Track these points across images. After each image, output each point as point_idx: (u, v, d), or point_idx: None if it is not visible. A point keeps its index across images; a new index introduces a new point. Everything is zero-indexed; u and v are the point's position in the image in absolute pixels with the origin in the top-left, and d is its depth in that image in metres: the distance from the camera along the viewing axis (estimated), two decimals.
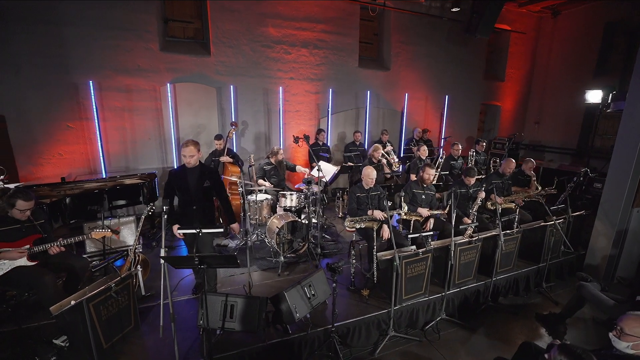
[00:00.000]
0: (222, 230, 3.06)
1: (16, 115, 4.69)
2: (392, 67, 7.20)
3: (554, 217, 3.93)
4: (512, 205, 4.57)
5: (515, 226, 4.33)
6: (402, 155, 7.25)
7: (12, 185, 3.49)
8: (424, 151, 5.62)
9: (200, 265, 2.14)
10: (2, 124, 4.69)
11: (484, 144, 6.30)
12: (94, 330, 2.38)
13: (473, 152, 6.29)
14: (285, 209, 4.38)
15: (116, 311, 2.57)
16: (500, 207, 4.53)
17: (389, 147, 6.44)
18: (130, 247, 3.17)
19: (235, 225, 3.29)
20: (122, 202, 4.37)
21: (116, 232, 3.74)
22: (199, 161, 3.13)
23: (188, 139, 3.16)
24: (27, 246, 2.59)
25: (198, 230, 2.44)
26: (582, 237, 4.75)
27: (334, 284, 2.71)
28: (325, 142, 6.45)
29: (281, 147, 6.25)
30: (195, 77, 5.62)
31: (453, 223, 3.47)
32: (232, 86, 5.80)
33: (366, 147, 6.95)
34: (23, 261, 2.59)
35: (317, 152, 6.18)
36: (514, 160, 4.69)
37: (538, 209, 4.63)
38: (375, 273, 3.54)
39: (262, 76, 6.09)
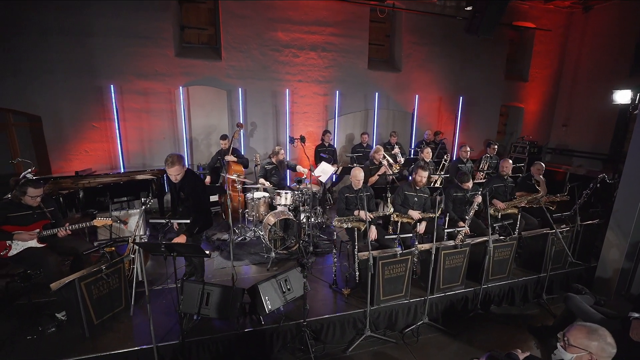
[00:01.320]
0: (187, 221, 3.15)
1: (50, 116, 5.29)
2: (403, 69, 7.13)
3: (555, 225, 3.73)
4: (516, 210, 4.39)
5: (515, 232, 4.17)
6: (411, 157, 7.14)
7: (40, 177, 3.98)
8: (427, 153, 5.51)
9: (169, 253, 2.34)
10: (39, 124, 5.32)
11: (496, 147, 6.04)
12: (85, 307, 2.68)
13: (488, 156, 6.06)
14: (279, 207, 4.53)
15: (107, 292, 2.85)
16: (502, 212, 4.39)
17: (396, 149, 6.39)
18: (130, 237, 3.47)
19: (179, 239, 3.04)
20: (133, 195, 4.77)
21: (124, 222, 4.13)
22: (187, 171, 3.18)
23: (172, 155, 2.98)
24: (37, 230, 2.96)
25: (167, 221, 2.66)
26: (597, 248, 4.43)
27: (305, 279, 2.81)
28: (331, 143, 6.53)
29: (287, 148, 6.44)
30: (207, 81, 5.97)
31: (435, 225, 3.43)
32: (240, 89, 6.08)
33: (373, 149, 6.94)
34: (33, 243, 2.96)
35: (323, 153, 6.30)
36: (510, 160, 4.50)
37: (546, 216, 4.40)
38: (357, 273, 3.57)
39: (270, 79, 6.32)
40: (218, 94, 6.11)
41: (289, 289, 3.08)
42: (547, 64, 8.20)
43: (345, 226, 3.82)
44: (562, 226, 4.00)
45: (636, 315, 2.50)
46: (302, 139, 4.47)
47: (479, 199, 4.08)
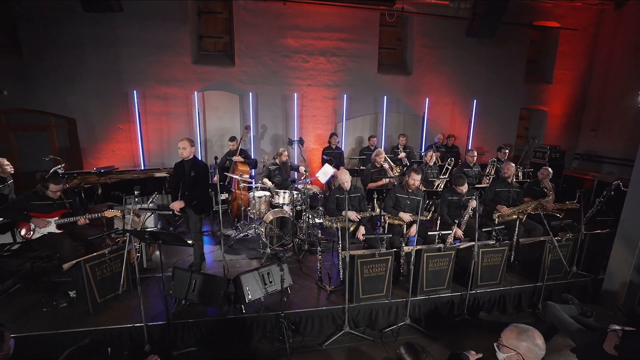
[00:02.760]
0: (170, 212, 3.62)
1: (83, 118, 5.94)
2: (414, 72, 7.10)
3: (552, 233, 3.59)
4: (521, 216, 4.26)
5: (514, 239, 4.06)
6: (421, 160, 7.07)
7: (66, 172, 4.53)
8: (430, 157, 5.48)
9: (154, 240, 2.63)
10: (73, 126, 5.99)
11: (507, 151, 5.83)
12: (90, 286, 3.05)
13: (495, 160, 5.89)
14: (277, 206, 4.75)
15: (110, 274, 3.21)
16: (506, 218, 4.26)
17: (402, 154, 6.39)
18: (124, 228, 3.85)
19: (175, 204, 3.64)
20: (149, 190, 5.22)
21: (137, 214, 4.54)
22: (193, 155, 3.78)
23: (183, 140, 3.71)
24: (56, 218, 3.41)
25: (153, 211, 2.97)
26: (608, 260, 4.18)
27: (281, 272, 2.98)
28: (338, 145, 6.65)
29: (296, 150, 6.67)
30: (221, 86, 6.36)
31: (417, 227, 3.46)
32: (251, 93, 6.41)
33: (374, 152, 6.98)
34: (53, 229, 3.40)
35: (330, 155, 6.45)
36: (513, 164, 4.37)
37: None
38: (341, 271, 3.68)
39: (280, 84, 6.59)
40: (231, 98, 6.49)
41: (270, 282, 3.27)
42: (573, 64, 7.74)
43: (335, 225, 3.95)
44: (566, 234, 3.84)
45: (617, 327, 2.40)
46: (301, 142, 4.66)
47: (473, 203, 4.02)
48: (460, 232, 3.93)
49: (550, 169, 4.61)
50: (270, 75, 6.52)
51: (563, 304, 2.92)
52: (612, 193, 4.46)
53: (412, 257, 3.23)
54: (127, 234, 2.93)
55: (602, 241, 4.09)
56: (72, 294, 3.29)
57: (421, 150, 7.33)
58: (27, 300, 3.28)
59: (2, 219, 3.56)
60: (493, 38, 5.32)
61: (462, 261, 3.68)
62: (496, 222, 4.20)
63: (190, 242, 3.15)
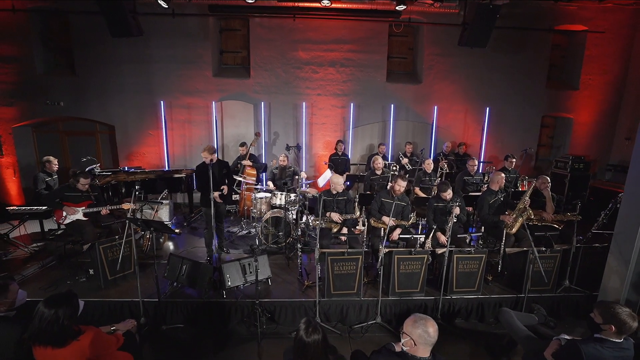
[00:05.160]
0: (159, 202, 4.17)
1: (120, 125, 6.87)
2: (424, 80, 7.15)
3: (533, 244, 3.54)
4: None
5: (501, 247, 4.03)
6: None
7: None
8: (428, 165, 5.53)
9: (147, 227, 3.13)
10: (113, 132, 6.95)
11: (514, 160, 5.67)
12: (102, 265, 3.65)
13: (493, 168, 5.76)
14: (274, 206, 5.14)
15: (119, 256, 3.80)
16: (512, 226, 4.20)
17: (405, 160, 6.49)
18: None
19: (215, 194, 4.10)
20: (171, 189, 5.92)
21: (152, 208, 5.19)
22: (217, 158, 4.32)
23: (210, 145, 4.19)
24: (83, 207, 4.12)
25: (142, 204, 3.48)
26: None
27: (256, 263, 3.32)
28: (344, 152, 6.90)
29: (304, 155, 7.05)
30: (237, 96, 6.98)
31: (387, 231, 3.61)
32: (263, 102, 6.94)
33: (389, 159, 7.10)
34: (80, 216, 4.11)
35: (336, 162, 6.73)
36: (503, 174, 4.30)
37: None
38: (318, 268, 3.93)
39: (292, 93, 7.04)
40: (246, 107, 7.07)
41: (250, 272, 3.64)
42: (604, 69, 7.23)
43: (321, 225, 4.23)
44: (562, 246, 3.73)
45: (566, 337, 2.41)
46: (298, 148, 5.02)
47: (457, 210, 4.07)
48: (443, 238, 4.00)
49: (548, 178, 4.46)
50: (283, 85, 7.00)
51: (524, 313, 2.91)
52: (619, 205, 4.21)
53: (381, 257, 3.40)
54: (128, 222, 3.48)
55: (599, 255, 3.88)
56: (91, 271, 3.93)
57: (430, 157, 7.30)
58: (57, 274, 4.00)
59: (45, 207, 4.38)
60: (484, 47, 5.27)
61: (442, 267, 3.75)
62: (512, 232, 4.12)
63: (177, 231, 3.63)
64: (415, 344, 1.79)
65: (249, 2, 5.93)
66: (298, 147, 5.01)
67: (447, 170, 6.11)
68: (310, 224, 4.29)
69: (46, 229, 5.09)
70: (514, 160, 5.69)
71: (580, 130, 7.53)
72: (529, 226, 4.42)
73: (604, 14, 6.94)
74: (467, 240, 4.28)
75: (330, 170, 5.94)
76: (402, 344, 1.86)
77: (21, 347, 1.86)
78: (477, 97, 7.23)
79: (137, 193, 3.68)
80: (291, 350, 1.90)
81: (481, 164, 7.16)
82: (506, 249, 4.03)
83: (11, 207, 4.92)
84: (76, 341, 1.83)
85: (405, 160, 6.41)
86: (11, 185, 6.84)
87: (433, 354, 1.83)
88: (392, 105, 7.11)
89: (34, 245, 4.73)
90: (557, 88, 7.40)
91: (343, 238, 4.16)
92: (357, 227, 4.56)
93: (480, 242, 4.62)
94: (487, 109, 7.18)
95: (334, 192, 4.35)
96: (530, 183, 4.69)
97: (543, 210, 4.45)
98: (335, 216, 4.16)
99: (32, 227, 5.14)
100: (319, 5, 6.13)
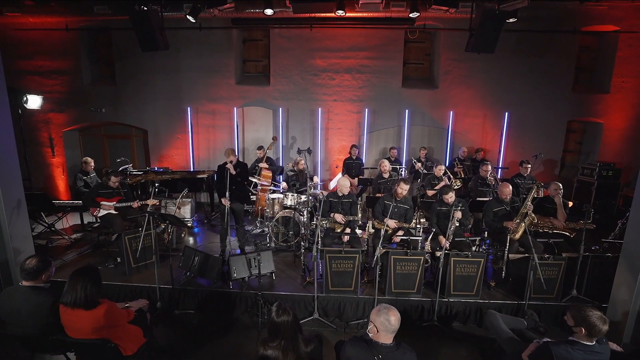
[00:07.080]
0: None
1: (152, 129, 7.53)
2: (440, 85, 7.14)
3: (534, 251, 3.50)
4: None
5: (505, 253, 3.99)
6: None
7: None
8: (438, 170, 5.54)
9: (163, 220, 3.51)
10: (146, 135, 7.63)
11: (529, 166, 5.51)
12: (127, 254, 4.10)
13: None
14: (285, 207, 5.41)
15: (142, 247, 4.24)
16: (516, 233, 4.16)
17: (418, 165, 6.50)
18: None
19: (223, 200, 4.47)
20: (194, 188, 6.42)
21: (175, 205, 5.67)
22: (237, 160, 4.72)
23: (230, 149, 4.59)
24: (114, 202, 4.63)
25: (162, 200, 3.85)
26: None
27: (258, 257, 3.59)
28: (358, 156, 7.05)
29: (319, 159, 7.30)
30: (257, 102, 7.39)
31: (391, 232, 3.72)
32: (281, 108, 7.29)
33: (403, 164, 7.14)
34: (112, 210, 4.63)
35: (350, 165, 6.90)
36: (510, 185, 4.23)
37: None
38: (320, 265, 4.12)
39: (309, 100, 7.33)
40: (265, 113, 7.46)
41: (255, 266, 3.90)
42: (639, 71, 6.80)
43: (325, 226, 4.43)
44: (569, 255, 3.65)
45: (548, 340, 2.42)
46: (309, 151, 5.25)
47: (458, 214, 4.09)
48: (444, 241, 4.03)
49: (560, 185, 4.33)
50: (300, 92, 7.31)
51: (512, 316, 2.91)
52: None
53: (376, 256, 3.53)
54: (147, 215, 3.89)
55: (611, 266, 3.72)
56: (118, 259, 4.42)
57: (445, 163, 7.25)
58: (91, 261, 4.53)
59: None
60: (492, 52, 5.19)
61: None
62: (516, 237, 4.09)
63: (189, 224, 3.98)
64: (377, 331, 1.94)
65: (268, 15, 6.32)
66: (309, 151, 5.23)
67: (463, 176, 6.07)
68: (317, 223, 4.49)
69: (85, 222, 5.75)
70: (529, 166, 5.54)
71: (612, 136, 7.11)
72: (539, 233, 4.35)
73: (637, 12, 6.55)
74: (475, 245, 4.24)
75: (342, 174, 6.12)
76: (368, 331, 2.01)
77: (53, 311, 2.26)
78: (496, 102, 7.09)
79: (156, 190, 4.09)
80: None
81: (499, 170, 6.99)
82: (509, 255, 3.98)
83: (56, 201, 5.62)
84: (94, 309, 2.18)
85: (418, 165, 6.43)
86: (60, 182, 7.72)
87: (398, 343, 1.96)
88: (408, 110, 7.16)
89: (75, 235, 5.36)
90: (585, 92, 7.05)
91: (345, 238, 4.32)
92: (364, 231, 4.70)
93: (483, 247, 4.56)
94: (506, 114, 7.01)
95: (340, 194, 4.53)
96: (539, 190, 4.58)
97: (554, 217, 4.33)
98: (339, 217, 4.33)
99: (73, 219, 5.83)
100: (335, 15, 6.38)
